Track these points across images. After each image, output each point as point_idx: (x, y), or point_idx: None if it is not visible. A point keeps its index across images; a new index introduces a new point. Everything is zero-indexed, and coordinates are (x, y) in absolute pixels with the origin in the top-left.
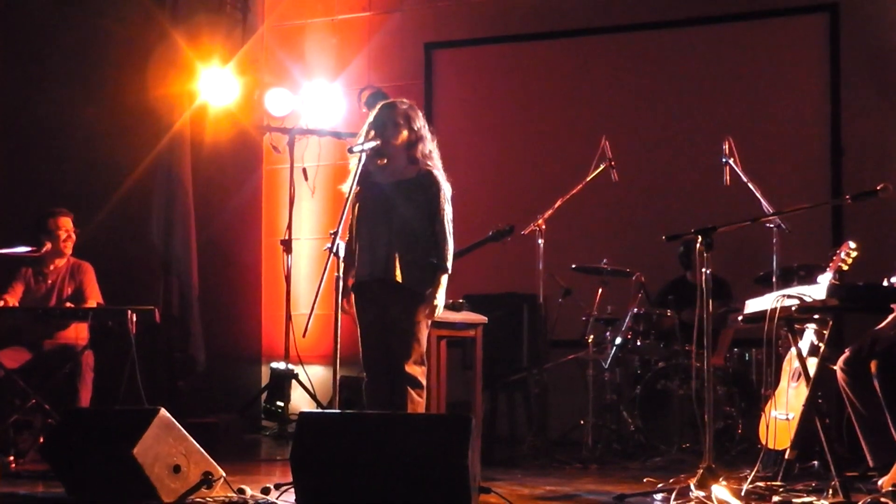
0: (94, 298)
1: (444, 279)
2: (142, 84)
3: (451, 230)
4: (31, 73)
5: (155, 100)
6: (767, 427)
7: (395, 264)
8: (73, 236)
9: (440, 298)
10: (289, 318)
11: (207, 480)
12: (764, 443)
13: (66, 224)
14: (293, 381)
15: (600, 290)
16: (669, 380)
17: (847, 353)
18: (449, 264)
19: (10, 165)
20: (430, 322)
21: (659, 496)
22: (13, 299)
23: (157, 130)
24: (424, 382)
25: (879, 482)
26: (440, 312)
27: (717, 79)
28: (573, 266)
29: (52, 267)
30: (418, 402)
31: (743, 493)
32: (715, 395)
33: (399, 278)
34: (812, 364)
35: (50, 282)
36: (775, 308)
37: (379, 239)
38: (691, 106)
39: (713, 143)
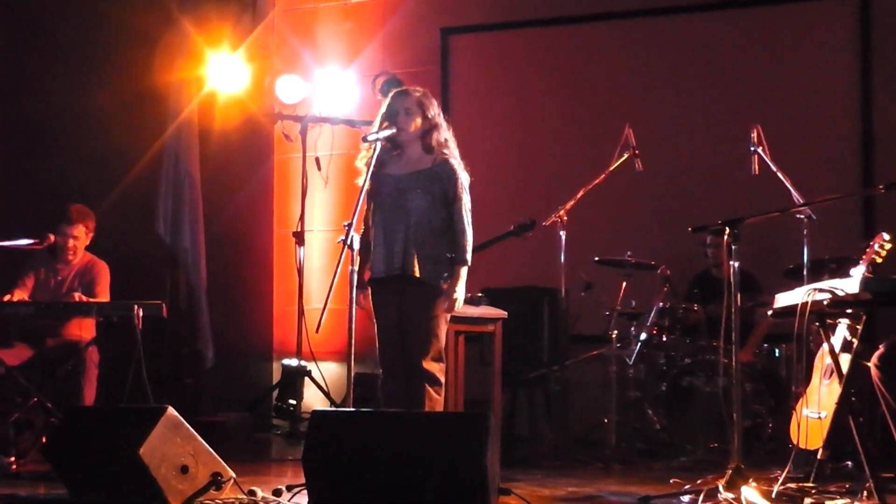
0: (102, 299)
1: (464, 273)
2: (148, 71)
3: (470, 221)
4: (35, 61)
5: (162, 87)
6: (798, 426)
7: (412, 259)
8: (84, 240)
9: (460, 293)
10: (301, 312)
11: (216, 482)
12: (795, 442)
13: (77, 231)
14: (305, 379)
15: (624, 284)
16: (695, 376)
17: (881, 349)
18: (468, 257)
19: (14, 156)
20: (448, 317)
21: (685, 498)
22: (23, 293)
23: (164, 119)
24: (442, 379)
25: None
26: (460, 307)
27: (745, 65)
28: (596, 259)
29: (64, 263)
30: (436, 400)
31: (773, 495)
32: (743, 392)
33: (417, 273)
34: (845, 360)
35: (60, 277)
36: (806, 302)
37: (395, 233)
38: (718, 93)
39: (741, 131)
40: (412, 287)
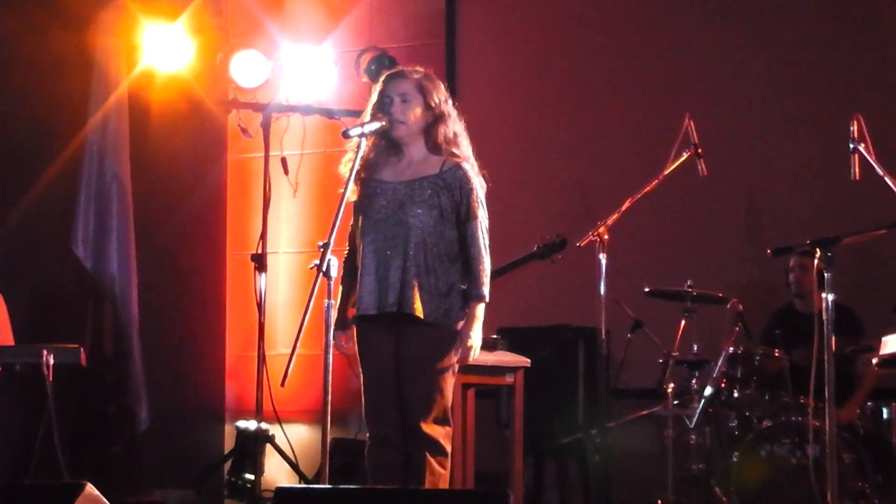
0: (1, 340)
1: (480, 310)
2: (65, 43)
3: (488, 244)
4: None
5: (82, 64)
6: None
7: (412, 292)
8: None
9: (476, 338)
10: (262, 360)
11: None
12: None
13: None
14: (267, 446)
15: (683, 322)
16: (778, 444)
17: None
18: (485, 291)
19: None
20: (457, 368)
21: None
22: None
23: (84, 105)
24: (448, 447)
25: None
26: (476, 355)
27: (841, 36)
28: (646, 290)
29: None
30: (439, 474)
31: None
32: (840, 464)
33: (418, 311)
34: None
35: None
36: None
37: (390, 258)
38: (806, 73)
39: (836, 123)
40: (412, 328)
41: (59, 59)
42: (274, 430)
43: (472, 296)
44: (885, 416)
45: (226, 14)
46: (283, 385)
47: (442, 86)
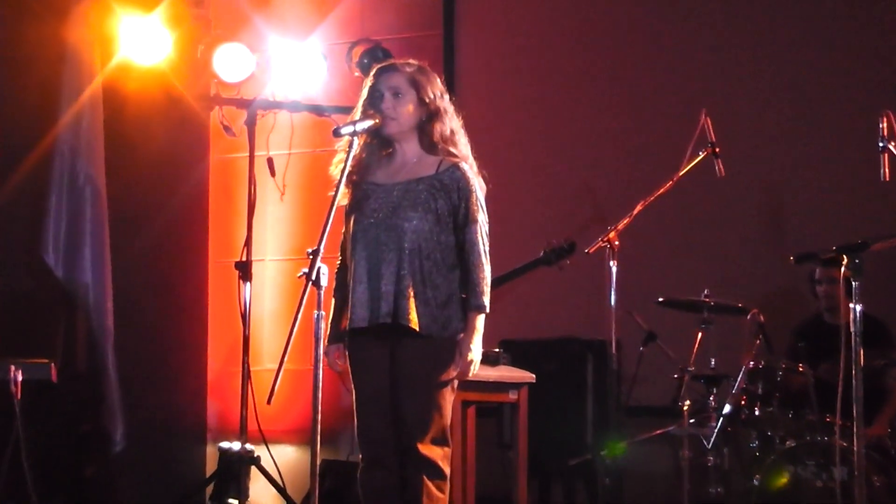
0: None
1: (481, 322)
2: (35, 34)
3: (488, 250)
4: None
5: (53, 57)
6: None
7: (407, 302)
8: None
9: (476, 350)
10: (247, 375)
11: None
12: None
13: None
14: (252, 468)
15: (699, 335)
16: (802, 465)
17: None
18: (486, 301)
19: None
20: (456, 384)
21: None
22: None
23: (56, 101)
24: (447, 469)
25: None
26: (476, 369)
27: (868, 26)
28: (659, 299)
29: None
30: (437, 498)
31: None
32: (870, 488)
33: (413, 322)
34: None
35: None
36: None
37: (383, 265)
38: (831, 66)
39: (864, 120)
40: (407, 341)
41: (28, 51)
42: (259, 451)
43: (472, 306)
44: None
45: (207, 4)
46: (269, 403)
47: (437, 80)
